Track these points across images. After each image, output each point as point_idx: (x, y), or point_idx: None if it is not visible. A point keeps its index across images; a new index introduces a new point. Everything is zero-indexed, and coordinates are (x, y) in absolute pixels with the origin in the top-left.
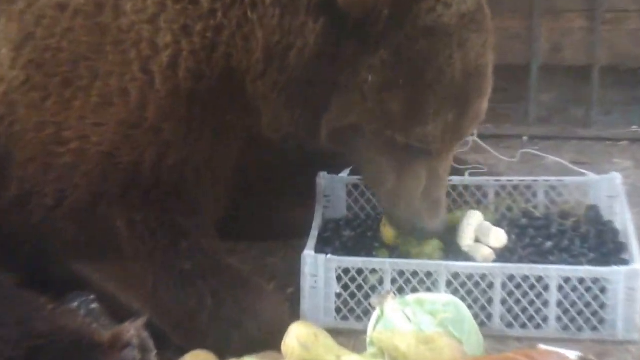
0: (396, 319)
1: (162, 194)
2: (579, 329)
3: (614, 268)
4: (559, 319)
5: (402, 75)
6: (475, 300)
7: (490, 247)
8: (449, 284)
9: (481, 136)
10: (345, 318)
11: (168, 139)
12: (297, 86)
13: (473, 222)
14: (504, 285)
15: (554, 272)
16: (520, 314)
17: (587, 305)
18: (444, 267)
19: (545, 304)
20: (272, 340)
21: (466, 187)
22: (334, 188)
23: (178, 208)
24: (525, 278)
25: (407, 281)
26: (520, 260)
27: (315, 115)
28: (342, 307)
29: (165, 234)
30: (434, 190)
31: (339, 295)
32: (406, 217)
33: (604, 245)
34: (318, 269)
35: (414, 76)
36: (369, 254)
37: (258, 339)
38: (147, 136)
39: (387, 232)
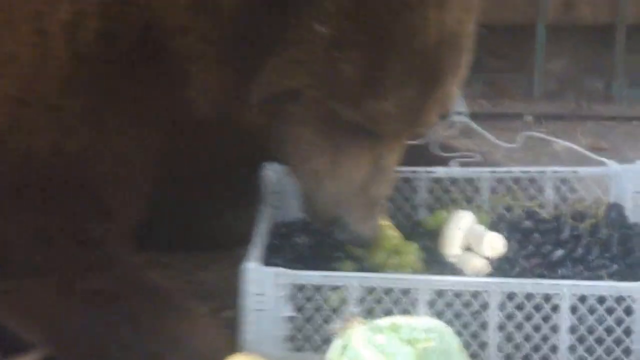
0: (365, 350)
1: (64, 191)
2: None
3: None
4: (572, 349)
5: (364, 30)
6: (466, 325)
7: (485, 257)
8: (431, 303)
9: (473, 115)
10: (299, 349)
11: (70, 120)
12: (231, 41)
13: (462, 225)
14: (502, 306)
15: (565, 288)
16: (523, 342)
17: (609, 330)
18: (426, 283)
19: (555, 329)
20: None
21: (453, 180)
22: (286, 183)
23: (85, 209)
24: (529, 296)
25: (379, 301)
26: (523, 273)
27: (247, 77)
28: (295, 334)
29: (68, 242)
30: (373, 186)
31: (291, 320)
32: (328, 209)
33: (630, 254)
34: (264, 286)
35: (378, 33)
36: (329, 266)
37: None
38: (43, 116)
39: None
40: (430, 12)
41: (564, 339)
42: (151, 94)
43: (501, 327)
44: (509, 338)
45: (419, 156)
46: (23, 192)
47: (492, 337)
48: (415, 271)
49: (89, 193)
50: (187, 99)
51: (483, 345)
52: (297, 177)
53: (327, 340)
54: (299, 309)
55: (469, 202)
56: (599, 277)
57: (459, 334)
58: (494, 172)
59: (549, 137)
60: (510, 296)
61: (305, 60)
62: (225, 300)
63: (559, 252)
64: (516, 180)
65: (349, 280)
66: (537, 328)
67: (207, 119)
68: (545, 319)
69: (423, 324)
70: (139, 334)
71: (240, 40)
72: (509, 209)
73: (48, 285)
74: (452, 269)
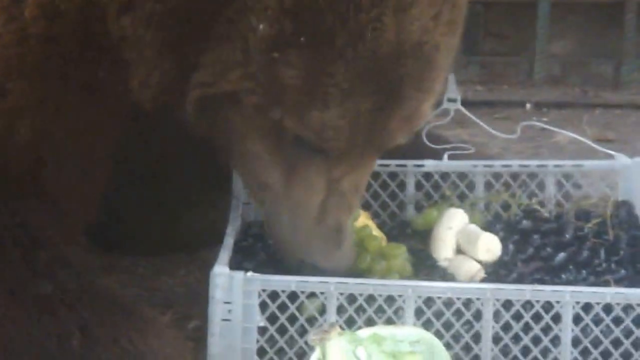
0: None
1: (9, 185)
2: None
3: None
4: None
5: (306, 31)
6: (457, 337)
7: (478, 261)
8: (419, 312)
9: (467, 103)
10: None
11: (16, 105)
12: (168, 28)
13: (454, 224)
14: (497, 315)
15: (568, 296)
16: (520, 356)
17: (616, 343)
18: (412, 290)
19: (557, 341)
20: None
21: (445, 175)
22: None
23: (33, 205)
24: (528, 305)
25: (360, 309)
26: (521, 279)
27: (185, 71)
28: (267, 347)
29: (14, 241)
30: (333, 214)
31: (263, 331)
32: (290, 244)
33: None
34: (233, 293)
35: (321, 36)
36: (305, 271)
37: None
38: None
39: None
40: (385, 17)
41: (566, 353)
42: (98, 78)
43: (496, 339)
44: (505, 351)
45: (407, 148)
46: None
47: (486, 350)
48: (403, 277)
49: (39, 186)
50: (130, 88)
51: (476, 359)
52: (250, 195)
53: (302, 354)
54: (272, 319)
55: (461, 200)
56: (606, 283)
57: (449, 346)
58: (490, 166)
59: (551, 127)
60: (507, 305)
61: (241, 60)
62: (190, 309)
63: (561, 256)
64: (514, 175)
65: (327, 286)
66: (536, 340)
67: (155, 113)
68: (546, 330)
69: (409, 336)
70: (90, 346)
71: (177, 29)
72: (506, 207)
73: None
74: (443, 274)
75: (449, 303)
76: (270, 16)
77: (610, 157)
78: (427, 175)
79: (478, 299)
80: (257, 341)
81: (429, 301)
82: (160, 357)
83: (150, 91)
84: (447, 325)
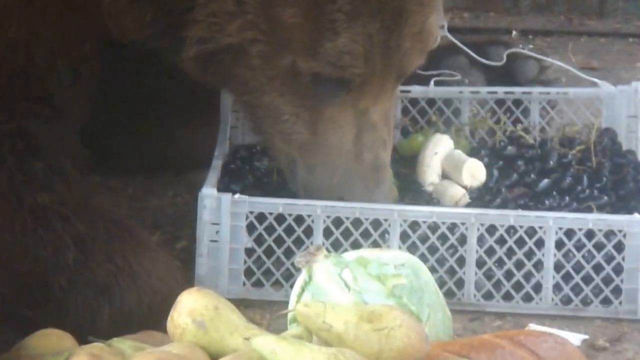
0: (330, 286)
1: (6, 86)
2: (586, 302)
3: (636, 216)
4: (557, 288)
5: None
6: (442, 261)
7: (463, 186)
8: (404, 236)
9: (454, 30)
10: (258, 284)
11: (5, 4)
12: None
13: (440, 150)
14: (481, 240)
15: (551, 221)
16: (503, 280)
17: (598, 269)
18: (398, 214)
19: (539, 266)
20: (155, 314)
21: (431, 100)
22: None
23: (28, 107)
24: (512, 230)
25: (346, 233)
26: (504, 204)
27: (175, 28)
28: (254, 268)
29: (11, 148)
30: (368, 147)
31: (250, 252)
32: (329, 191)
33: (622, 184)
34: (221, 215)
35: None
36: (293, 193)
37: (136, 312)
38: None
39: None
40: None
41: (548, 277)
42: None
43: (480, 263)
44: (488, 275)
45: None
46: None
47: (470, 273)
48: (389, 200)
49: (32, 86)
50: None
51: (460, 283)
52: (279, 160)
53: (288, 276)
54: (259, 241)
55: (447, 126)
56: (588, 210)
57: (434, 270)
58: (476, 92)
59: (536, 55)
60: (491, 229)
61: (235, 10)
62: (179, 230)
63: (545, 182)
64: (499, 102)
65: (314, 209)
66: (519, 265)
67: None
68: (529, 254)
69: (394, 259)
70: (84, 262)
71: None
72: (491, 133)
73: None
74: (428, 199)
75: (433, 227)
76: None
77: (595, 84)
78: (414, 101)
79: (462, 223)
80: (244, 262)
81: (414, 225)
82: (153, 277)
83: (121, 28)
84: (432, 249)
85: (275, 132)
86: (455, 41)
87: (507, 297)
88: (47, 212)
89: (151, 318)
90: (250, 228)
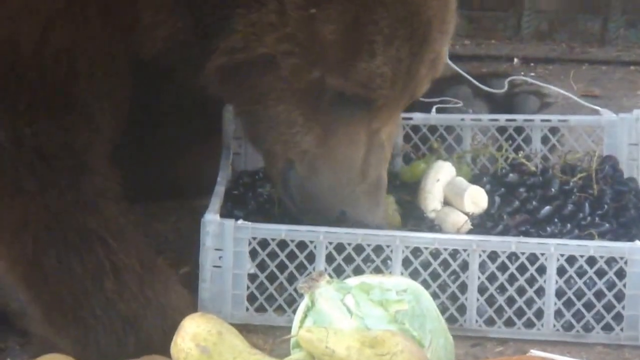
0: (332, 311)
1: (50, 95)
2: (587, 329)
3: (637, 244)
4: (559, 314)
5: None
6: (444, 287)
7: (465, 213)
8: (406, 262)
9: (455, 57)
10: (261, 309)
11: (52, 14)
12: None
13: (442, 177)
14: (483, 266)
15: (553, 248)
16: (505, 306)
17: (599, 295)
18: (400, 240)
19: (541, 292)
20: (159, 339)
21: (433, 127)
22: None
23: (74, 119)
24: (513, 256)
25: (349, 259)
26: (506, 231)
27: (206, 37)
28: (257, 294)
29: (63, 163)
30: (374, 166)
31: (253, 278)
32: (331, 203)
33: (624, 211)
34: (224, 241)
35: None
36: (295, 219)
37: (156, 342)
38: (25, 6)
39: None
40: None
41: (550, 304)
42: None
43: (482, 290)
44: (490, 301)
45: None
46: (6, 91)
47: (472, 300)
48: (392, 227)
49: (75, 99)
50: (138, 33)
51: (462, 309)
52: (275, 166)
53: (291, 302)
54: (261, 267)
55: (449, 153)
56: (590, 237)
57: (436, 296)
58: (478, 119)
59: (538, 82)
60: (492, 256)
61: (276, 21)
62: (182, 255)
63: (547, 209)
64: (501, 129)
65: (316, 235)
66: (521, 291)
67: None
68: (530, 281)
69: (396, 285)
70: (120, 291)
71: None
72: (492, 160)
73: (34, 212)
74: (430, 225)
75: (436, 253)
76: None
77: (596, 112)
78: (416, 128)
79: (464, 249)
80: (247, 287)
81: (416, 251)
82: (176, 311)
83: (156, 44)
84: (434, 275)
85: (279, 141)
86: (459, 70)
87: (509, 323)
88: (92, 235)
89: (167, 346)
90: (253, 254)
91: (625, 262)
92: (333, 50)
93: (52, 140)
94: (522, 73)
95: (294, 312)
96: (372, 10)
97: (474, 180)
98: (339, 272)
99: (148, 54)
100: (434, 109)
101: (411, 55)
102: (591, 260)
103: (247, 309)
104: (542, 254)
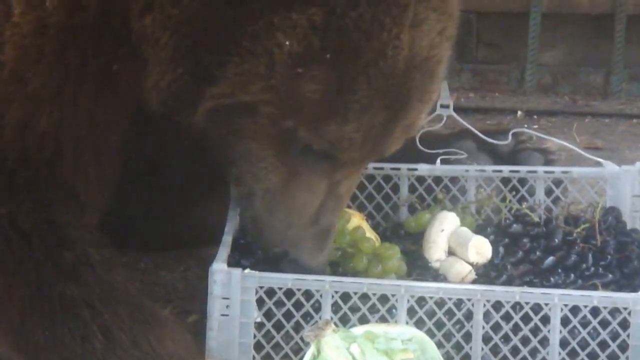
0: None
1: (34, 176)
2: None
3: None
4: None
5: (331, 49)
6: (448, 336)
7: (469, 263)
8: (411, 312)
9: (460, 110)
10: (268, 358)
11: (36, 93)
12: (188, 36)
13: (446, 227)
14: (487, 316)
15: (556, 298)
16: (509, 356)
17: (603, 346)
18: (405, 289)
19: (545, 342)
20: None
21: (437, 178)
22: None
23: (55, 198)
24: (517, 306)
25: (354, 308)
26: (510, 281)
27: (200, 80)
28: (263, 342)
29: (40, 237)
30: (327, 215)
31: (260, 326)
32: (274, 239)
33: (627, 262)
34: (231, 289)
35: (346, 53)
36: (302, 269)
37: None
38: (7, 88)
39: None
40: (403, 34)
41: (554, 354)
42: (113, 70)
43: (486, 339)
44: (494, 351)
45: (402, 152)
46: None
47: (477, 349)
48: (398, 276)
49: (59, 177)
50: (142, 86)
51: (466, 358)
52: (238, 190)
53: (297, 350)
54: (268, 316)
55: (453, 203)
56: (593, 287)
57: (441, 345)
58: (481, 170)
59: (541, 135)
60: (497, 305)
61: (264, 73)
62: (190, 304)
63: (550, 259)
64: (505, 180)
65: (323, 284)
66: (525, 341)
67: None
68: (534, 331)
69: (401, 334)
70: (111, 349)
71: (196, 38)
72: (496, 211)
73: (15, 287)
74: (435, 275)
75: (440, 303)
76: (299, 34)
77: (599, 164)
78: (421, 179)
79: (469, 299)
80: (254, 336)
81: (421, 301)
82: (169, 353)
83: (161, 94)
84: (439, 325)
85: (247, 172)
86: (464, 123)
87: None
88: (75, 302)
89: None
90: (260, 302)
91: (629, 313)
92: (310, 107)
93: (30, 218)
94: (526, 125)
95: None
96: (354, 79)
97: (478, 230)
98: (344, 321)
99: (155, 105)
100: (438, 161)
101: (385, 122)
102: (595, 311)
103: (254, 358)
104: (546, 304)
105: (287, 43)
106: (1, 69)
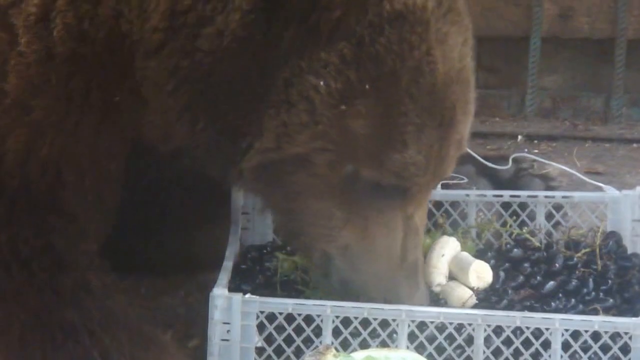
0: None
1: (34, 202)
2: None
3: None
4: None
5: (368, 79)
6: None
7: (470, 288)
8: (412, 336)
9: None
10: None
11: (39, 121)
12: (209, 86)
13: (447, 252)
14: (488, 341)
15: (557, 323)
16: None
17: None
18: (406, 314)
19: None
20: None
21: (438, 203)
22: (257, 202)
23: (55, 225)
24: (518, 331)
25: (355, 333)
26: (511, 306)
27: (235, 138)
28: None
29: (40, 263)
30: (411, 250)
31: (260, 351)
32: (369, 292)
33: (628, 287)
34: (232, 314)
35: (384, 79)
36: (302, 293)
37: None
38: (10, 116)
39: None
40: (434, 49)
41: None
42: (121, 102)
43: None
44: None
45: None
46: None
47: None
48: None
49: (60, 204)
50: (145, 124)
51: None
52: (313, 258)
53: None
54: (269, 340)
55: (454, 228)
56: (594, 312)
57: None
58: (482, 195)
59: (542, 159)
60: (497, 330)
61: (308, 120)
62: (190, 329)
63: (551, 284)
64: (506, 205)
65: (323, 309)
66: None
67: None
68: (535, 356)
69: (402, 359)
70: None
71: (217, 93)
72: (497, 236)
73: (17, 312)
74: (435, 300)
75: (441, 328)
76: (332, 71)
77: (600, 189)
78: None
79: (469, 324)
80: None
81: (422, 325)
82: None
83: (170, 142)
84: (440, 349)
85: (318, 236)
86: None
87: None
88: (75, 327)
89: None
90: (261, 327)
91: (630, 338)
92: (365, 143)
93: (29, 244)
94: (526, 150)
95: None
96: (400, 103)
97: (479, 255)
98: (345, 346)
99: (166, 149)
100: (439, 185)
101: (440, 140)
102: (596, 336)
103: None
104: (547, 329)
105: (322, 83)
106: (4, 97)
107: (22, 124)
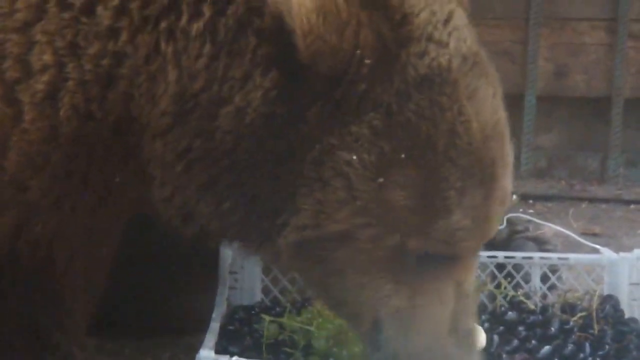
0: None
1: (21, 282)
2: None
3: None
4: None
5: (403, 148)
6: None
7: None
8: None
9: None
10: None
11: (34, 201)
12: (234, 163)
13: None
14: None
15: None
16: None
17: None
18: None
19: None
20: None
21: None
22: (245, 261)
23: (42, 304)
24: None
25: None
26: None
27: (268, 215)
28: None
29: (22, 341)
30: (463, 317)
31: None
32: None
33: (626, 352)
34: None
35: (420, 146)
36: (291, 356)
37: None
38: (5, 194)
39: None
40: (465, 107)
41: None
42: (122, 184)
43: None
44: None
45: None
46: None
47: None
48: None
49: (50, 285)
50: (157, 203)
51: None
52: (360, 327)
53: None
54: None
55: None
56: None
57: None
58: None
59: (537, 220)
60: None
61: (346, 197)
62: None
63: (547, 348)
64: (500, 267)
65: None
66: None
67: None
68: None
69: None
70: None
71: (241, 174)
72: (491, 298)
73: None
74: None
75: None
76: (365, 144)
77: (596, 251)
78: None
79: None
80: None
81: None
82: None
83: (191, 223)
84: None
85: (364, 306)
86: None
87: None
88: None
89: None
90: None
91: None
92: (409, 214)
93: (14, 320)
94: (521, 210)
95: None
96: (439, 168)
97: None
98: None
99: (184, 231)
100: None
101: (483, 200)
102: None
103: None
104: None
105: (355, 158)
106: (1, 173)
107: (17, 202)
